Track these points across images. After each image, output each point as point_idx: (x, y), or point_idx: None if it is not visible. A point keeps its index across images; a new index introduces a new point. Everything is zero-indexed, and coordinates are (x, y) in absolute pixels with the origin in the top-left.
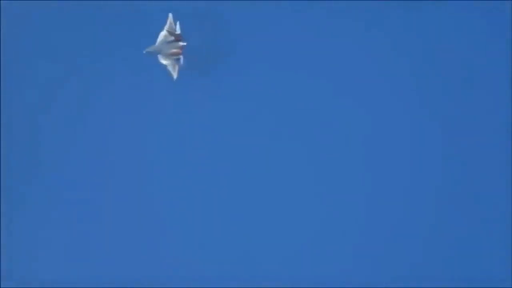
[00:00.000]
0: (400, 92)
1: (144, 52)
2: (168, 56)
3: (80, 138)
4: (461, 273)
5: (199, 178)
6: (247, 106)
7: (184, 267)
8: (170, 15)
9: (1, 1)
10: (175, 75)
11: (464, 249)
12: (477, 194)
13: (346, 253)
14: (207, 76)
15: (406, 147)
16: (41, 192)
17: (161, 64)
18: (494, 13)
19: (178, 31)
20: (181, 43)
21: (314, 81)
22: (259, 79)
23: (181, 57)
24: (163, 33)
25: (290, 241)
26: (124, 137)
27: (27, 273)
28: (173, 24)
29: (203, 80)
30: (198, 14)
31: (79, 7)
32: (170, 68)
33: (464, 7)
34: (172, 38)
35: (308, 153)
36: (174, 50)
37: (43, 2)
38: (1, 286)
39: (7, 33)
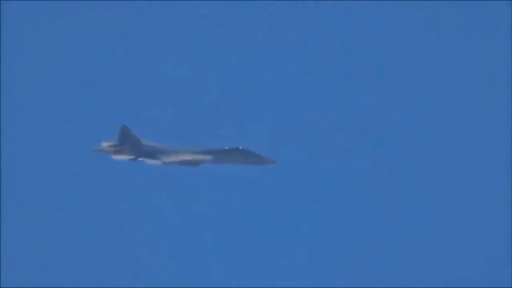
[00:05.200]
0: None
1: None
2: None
3: (80, 139)
4: (462, 273)
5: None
6: None
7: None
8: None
9: (1, 1)
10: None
11: (465, 249)
12: (477, 193)
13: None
14: None
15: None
16: (41, 193)
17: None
18: (494, 13)
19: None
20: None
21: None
22: None
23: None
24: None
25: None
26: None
27: (27, 273)
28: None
29: None
30: None
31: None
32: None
33: (464, 7)
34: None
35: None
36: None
37: (43, 2)
38: (1, 286)
39: (7, 33)
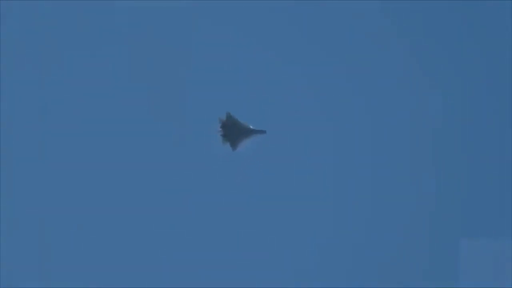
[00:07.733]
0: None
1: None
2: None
3: (79, 139)
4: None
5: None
6: None
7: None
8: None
9: (1, 1)
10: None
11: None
12: (476, 192)
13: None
14: None
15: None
16: (41, 193)
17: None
18: (494, 13)
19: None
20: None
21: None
22: None
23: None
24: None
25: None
26: (121, 138)
27: (27, 273)
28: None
29: None
30: None
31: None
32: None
33: (464, 7)
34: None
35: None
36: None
37: (43, 2)
38: (1, 286)
39: (7, 33)
